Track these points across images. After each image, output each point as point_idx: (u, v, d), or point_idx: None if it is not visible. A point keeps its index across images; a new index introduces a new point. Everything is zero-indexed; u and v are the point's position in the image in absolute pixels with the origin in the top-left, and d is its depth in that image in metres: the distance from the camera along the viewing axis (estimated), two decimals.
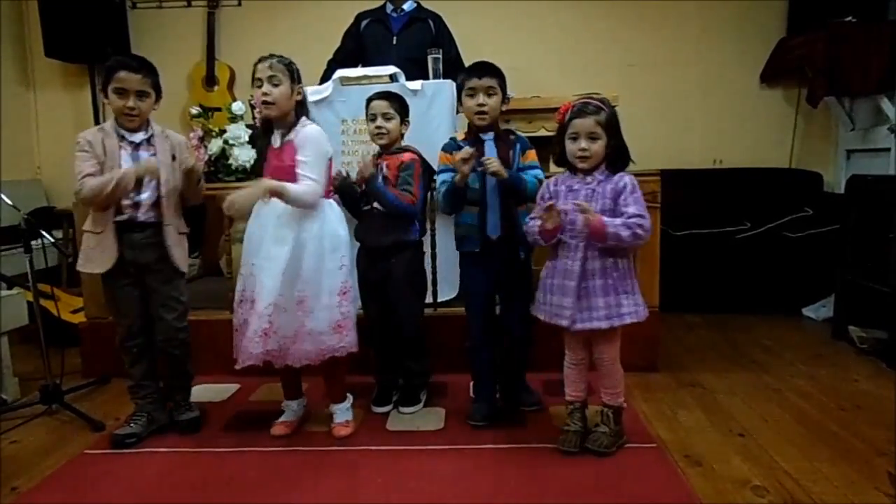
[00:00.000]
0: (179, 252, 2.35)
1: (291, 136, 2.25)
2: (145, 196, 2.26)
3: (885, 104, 3.67)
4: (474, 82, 2.30)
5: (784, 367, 2.99)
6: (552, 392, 2.60)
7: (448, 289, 2.97)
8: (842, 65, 3.67)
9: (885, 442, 2.22)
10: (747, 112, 4.35)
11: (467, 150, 2.22)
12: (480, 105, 2.29)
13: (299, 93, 2.28)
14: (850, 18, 3.68)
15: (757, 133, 4.35)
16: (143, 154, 2.28)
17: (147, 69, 2.26)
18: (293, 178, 2.19)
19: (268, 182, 2.16)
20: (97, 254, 2.26)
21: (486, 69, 2.31)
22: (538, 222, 2.11)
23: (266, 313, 2.12)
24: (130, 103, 2.21)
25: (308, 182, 2.18)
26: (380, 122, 2.44)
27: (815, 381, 2.82)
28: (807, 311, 3.90)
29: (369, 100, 2.48)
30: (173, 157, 2.32)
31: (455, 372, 2.61)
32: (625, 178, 2.08)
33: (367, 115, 2.49)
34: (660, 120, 4.18)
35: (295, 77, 2.26)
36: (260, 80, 2.22)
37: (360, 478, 2.05)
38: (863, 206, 3.33)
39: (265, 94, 2.20)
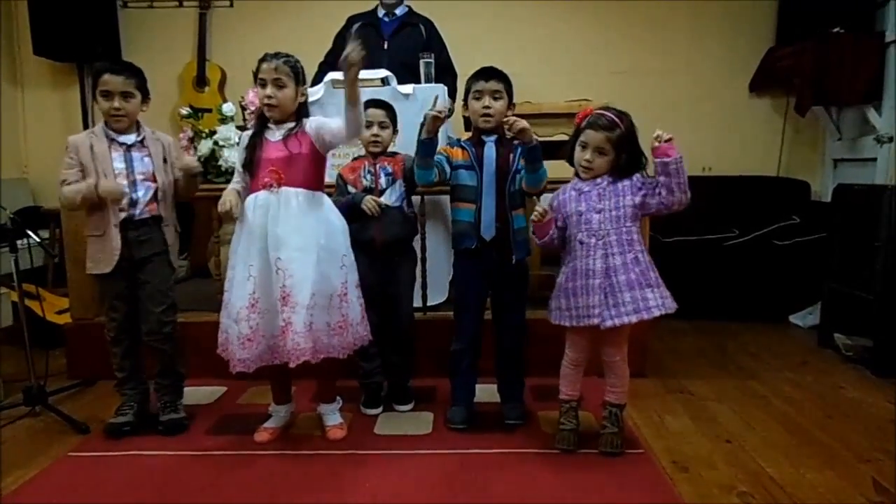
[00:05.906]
0: (175, 249, 2.43)
1: (297, 129, 2.22)
2: (141, 194, 2.31)
3: (872, 114, 3.72)
4: (481, 85, 2.32)
5: (771, 374, 3.01)
6: (542, 397, 2.60)
7: (437, 293, 2.96)
8: (829, 75, 3.71)
9: (870, 448, 2.24)
10: (736, 120, 4.38)
11: (443, 105, 2.23)
12: (486, 108, 2.30)
13: (303, 94, 2.26)
14: (837, 29, 3.72)
15: (745, 141, 4.38)
16: (136, 155, 2.32)
17: (130, 71, 2.31)
18: (305, 165, 2.18)
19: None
20: (102, 255, 2.30)
21: (492, 73, 2.33)
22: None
23: (310, 305, 2.08)
24: (116, 104, 2.27)
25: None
26: (376, 129, 2.44)
27: (802, 387, 2.84)
28: (793, 319, 3.93)
29: (364, 106, 2.45)
30: (164, 160, 2.37)
31: (444, 376, 2.60)
32: (636, 174, 2.17)
33: None
34: (649, 127, 4.18)
35: (300, 79, 2.24)
36: (264, 80, 2.18)
37: (349, 481, 2.04)
38: (849, 214, 3.37)
39: (268, 96, 2.17)
